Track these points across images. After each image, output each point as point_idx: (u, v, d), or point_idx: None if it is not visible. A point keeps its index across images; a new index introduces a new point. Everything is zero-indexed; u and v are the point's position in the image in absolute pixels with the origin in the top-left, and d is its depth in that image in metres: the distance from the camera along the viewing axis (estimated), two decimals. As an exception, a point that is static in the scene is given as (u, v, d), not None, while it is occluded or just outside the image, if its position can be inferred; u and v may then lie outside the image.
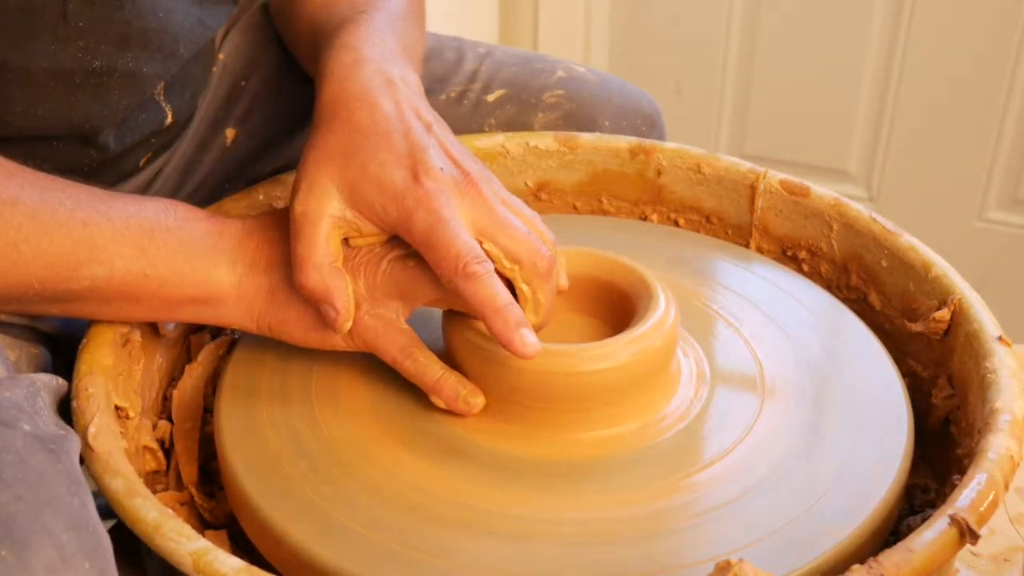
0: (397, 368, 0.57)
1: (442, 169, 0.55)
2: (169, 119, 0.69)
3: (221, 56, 0.79)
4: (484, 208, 0.55)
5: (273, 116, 0.80)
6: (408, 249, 0.56)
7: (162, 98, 0.68)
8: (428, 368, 0.56)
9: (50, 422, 0.49)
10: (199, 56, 0.71)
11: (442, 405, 0.56)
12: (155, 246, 0.55)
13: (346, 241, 0.56)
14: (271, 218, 0.59)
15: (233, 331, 0.70)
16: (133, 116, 0.66)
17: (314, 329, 0.57)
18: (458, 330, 0.57)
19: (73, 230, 0.53)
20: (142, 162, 0.70)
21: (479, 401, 0.56)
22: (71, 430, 0.49)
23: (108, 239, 0.54)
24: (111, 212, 0.55)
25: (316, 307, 0.56)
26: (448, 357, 0.58)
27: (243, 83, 0.79)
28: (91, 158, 0.65)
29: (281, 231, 0.58)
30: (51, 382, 0.53)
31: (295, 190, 0.56)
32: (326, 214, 0.55)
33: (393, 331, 0.57)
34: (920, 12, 1.58)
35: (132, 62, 0.61)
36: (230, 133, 0.79)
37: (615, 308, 0.60)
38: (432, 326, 0.59)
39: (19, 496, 0.41)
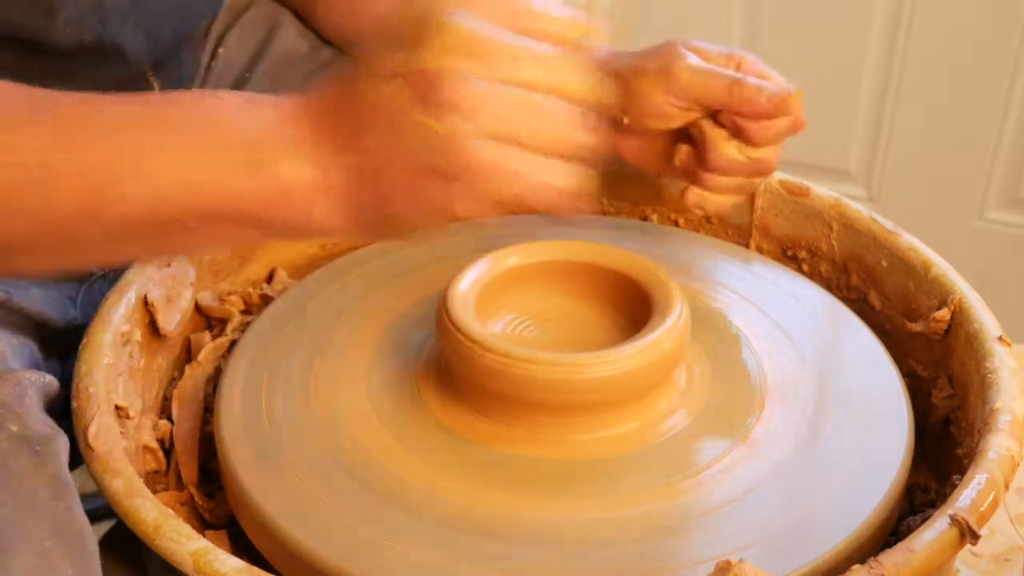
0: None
1: None
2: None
3: (221, 50, 0.79)
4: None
5: None
6: None
7: (151, 76, 0.68)
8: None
9: (39, 421, 0.48)
10: (187, 40, 0.71)
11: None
12: (213, 147, 0.46)
13: None
14: (341, 86, 0.48)
15: (235, 330, 0.70)
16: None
17: (435, 201, 0.47)
18: (454, 337, 0.56)
19: (108, 137, 0.45)
20: None
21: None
22: (59, 429, 0.49)
23: (153, 147, 0.45)
24: (147, 114, 0.47)
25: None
26: (444, 360, 0.58)
27: (247, 75, 0.80)
28: None
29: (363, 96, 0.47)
30: (39, 380, 0.53)
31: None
32: None
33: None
34: (920, 12, 1.57)
35: (118, 37, 0.61)
36: None
37: (632, 300, 0.60)
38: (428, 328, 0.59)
39: (2, 502, 0.41)
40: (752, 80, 0.62)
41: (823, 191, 0.72)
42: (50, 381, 0.54)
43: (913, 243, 0.67)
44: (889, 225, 0.68)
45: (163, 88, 0.69)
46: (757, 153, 0.64)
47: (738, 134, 0.63)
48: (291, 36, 0.83)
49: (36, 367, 0.60)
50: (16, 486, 0.42)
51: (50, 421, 0.50)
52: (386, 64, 0.45)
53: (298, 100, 0.48)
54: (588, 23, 0.48)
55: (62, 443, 0.47)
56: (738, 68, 0.64)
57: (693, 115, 0.64)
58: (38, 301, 0.64)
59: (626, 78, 0.63)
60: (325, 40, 0.83)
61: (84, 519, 0.44)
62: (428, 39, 0.44)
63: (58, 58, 0.59)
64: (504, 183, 0.46)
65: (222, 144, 0.45)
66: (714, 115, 0.64)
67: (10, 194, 0.43)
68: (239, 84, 0.80)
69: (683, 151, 0.66)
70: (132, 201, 0.44)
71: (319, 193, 0.46)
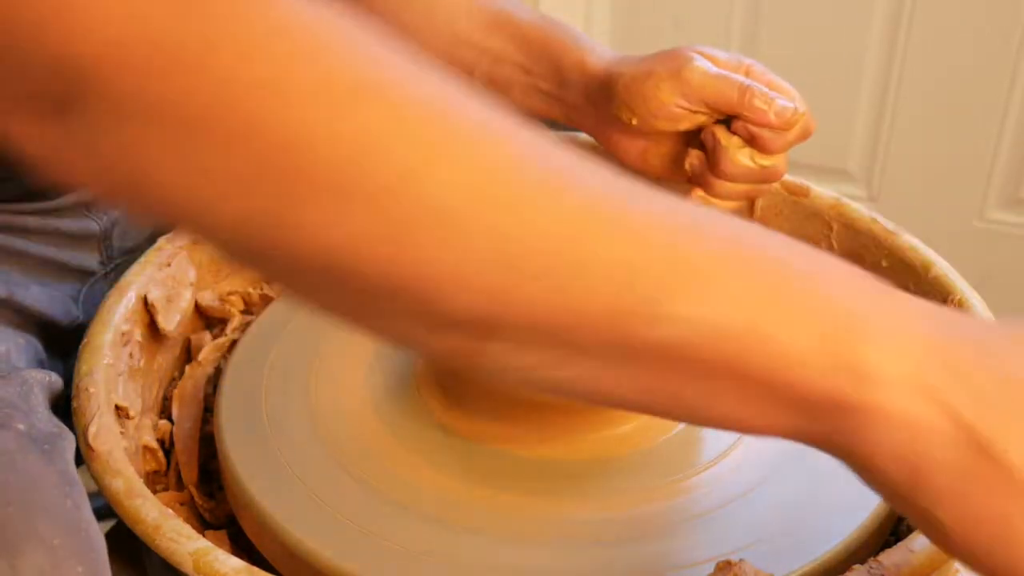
0: None
1: None
2: None
3: None
4: None
5: None
6: None
7: None
8: None
9: (45, 420, 0.49)
10: None
11: None
12: (794, 297, 0.36)
13: None
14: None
15: (235, 330, 0.69)
16: None
17: None
18: None
19: (654, 239, 0.33)
20: None
21: None
22: (65, 428, 0.49)
23: (714, 264, 0.34)
24: (705, 227, 0.36)
25: None
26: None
27: None
28: None
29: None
30: (44, 379, 0.53)
31: None
32: None
33: None
34: (920, 12, 1.58)
35: None
36: None
37: None
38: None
39: (10, 501, 0.41)
40: (762, 89, 0.62)
41: (823, 191, 0.72)
42: (55, 380, 0.54)
43: (913, 243, 0.67)
44: (889, 225, 0.68)
45: None
46: (769, 161, 0.64)
47: (752, 142, 0.63)
48: None
49: (41, 365, 0.60)
50: (25, 484, 0.42)
51: (56, 420, 0.50)
52: None
53: (943, 320, 0.38)
54: None
55: (68, 442, 0.48)
56: (747, 75, 0.64)
57: (700, 118, 0.64)
58: (40, 299, 0.64)
59: (635, 80, 0.63)
60: None
61: (92, 518, 0.44)
62: None
63: None
64: None
65: (808, 299, 0.36)
66: (727, 122, 0.64)
67: (530, 279, 0.32)
68: None
69: (694, 156, 0.66)
70: (669, 329, 0.33)
71: (905, 434, 0.34)
